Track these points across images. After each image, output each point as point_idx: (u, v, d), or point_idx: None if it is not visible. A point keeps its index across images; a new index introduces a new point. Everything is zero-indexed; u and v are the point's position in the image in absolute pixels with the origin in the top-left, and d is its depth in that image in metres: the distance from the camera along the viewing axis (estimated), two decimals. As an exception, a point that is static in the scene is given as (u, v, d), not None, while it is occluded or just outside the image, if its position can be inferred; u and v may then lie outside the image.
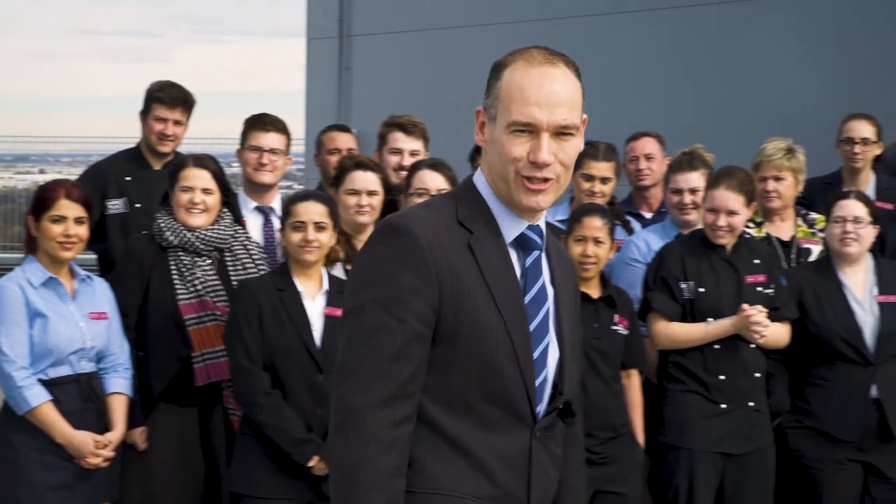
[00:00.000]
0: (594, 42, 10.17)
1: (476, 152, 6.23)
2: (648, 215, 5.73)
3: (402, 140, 5.41)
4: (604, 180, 5.30)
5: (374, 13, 12.51)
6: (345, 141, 5.88)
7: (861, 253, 4.85)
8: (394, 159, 5.39)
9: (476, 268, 2.40)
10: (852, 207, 4.82)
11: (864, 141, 5.93)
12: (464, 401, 2.39)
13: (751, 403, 4.66)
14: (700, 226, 4.88)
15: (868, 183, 5.99)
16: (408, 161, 5.22)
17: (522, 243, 2.49)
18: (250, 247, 4.77)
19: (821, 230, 5.18)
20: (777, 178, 5.22)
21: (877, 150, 6.02)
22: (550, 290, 2.53)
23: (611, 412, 4.65)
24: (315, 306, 4.42)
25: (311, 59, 13.30)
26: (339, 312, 4.40)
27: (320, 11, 13.04)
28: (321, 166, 5.92)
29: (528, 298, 2.46)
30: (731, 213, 4.68)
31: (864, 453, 4.77)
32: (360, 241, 4.84)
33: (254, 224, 5.07)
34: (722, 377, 4.63)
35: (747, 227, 4.99)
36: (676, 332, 4.68)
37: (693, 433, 4.65)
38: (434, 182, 4.65)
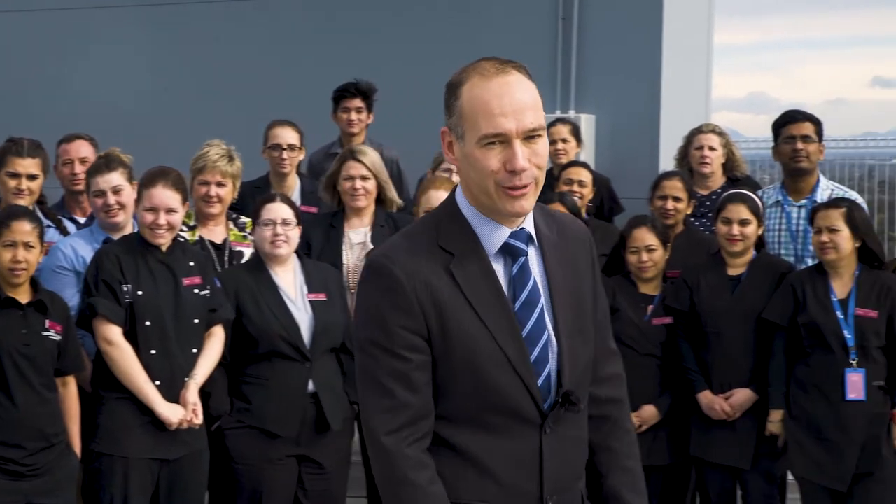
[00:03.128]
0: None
1: None
2: (83, 219, 5.58)
3: None
4: (30, 177, 5.18)
5: None
6: None
7: (290, 252, 5.01)
8: None
9: (457, 289, 2.50)
10: (279, 210, 4.98)
11: (291, 147, 6.12)
12: (468, 414, 2.53)
13: None
14: (131, 229, 4.87)
15: (294, 187, 6.20)
16: None
17: (508, 251, 2.55)
18: None
19: (250, 233, 5.28)
20: (220, 184, 5.33)
21: (301, 156, 6.24)
22: (543, 284, 2.59)
23: (42, 421, 4.52)
24: None
25: None
26: None
27: None
28: None
29: (518, 304, 2.54)
30: (170, 210, 4.69)
31: (301, 447, 4.92)
32: None
33: None
34: (157, 383, 4.62)
35: (181, 230, 5.02)
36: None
37: (128, 441, 4.61)
38: None
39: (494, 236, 2.55)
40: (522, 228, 2.57)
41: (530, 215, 2.58)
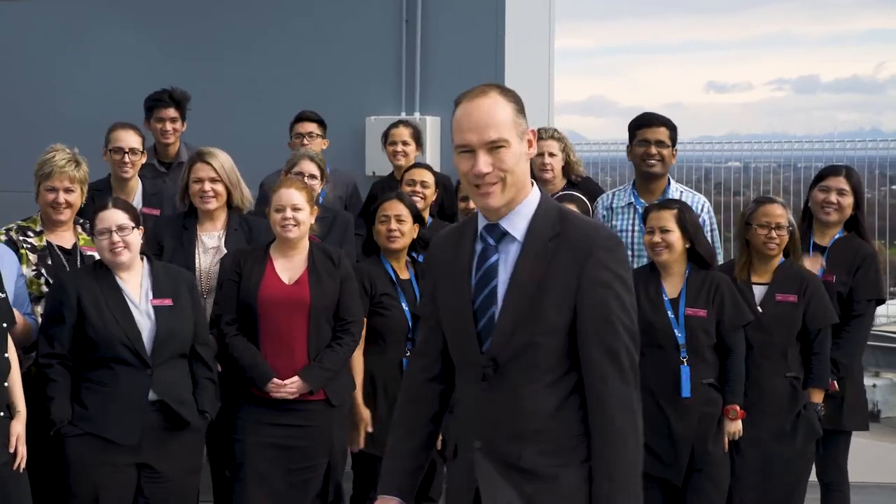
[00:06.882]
0: None
1: None
2: None
3: None
4: None
5: None
6: None
7: (133, 257, 4.96)
8: None
9: (455, 262, 3.22)
10: (113, 217, 4.93)
11: (133, 151, 6.04)
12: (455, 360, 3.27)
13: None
14: None
15: (136, 189, 6.13)
16: None
17: (481, 238, 3.19)
18: None
19: None
20: (68, 190, 5.28)
21: (143, 159, 6.16)
22: (508, 271, 3.12)
23: None
24: None
25: None
26: None
27: None
28: None
29: (474, 280, 3.16)
30: None
31: (142, 455, 4.87)
32: None
33: None
34: None
35: (28, 235, 4.94)
36: None
37: None
38: None
39: (479, 224, 3.20)
40: (498, 224, 3.14)
41: (527, 213, 3.13)
